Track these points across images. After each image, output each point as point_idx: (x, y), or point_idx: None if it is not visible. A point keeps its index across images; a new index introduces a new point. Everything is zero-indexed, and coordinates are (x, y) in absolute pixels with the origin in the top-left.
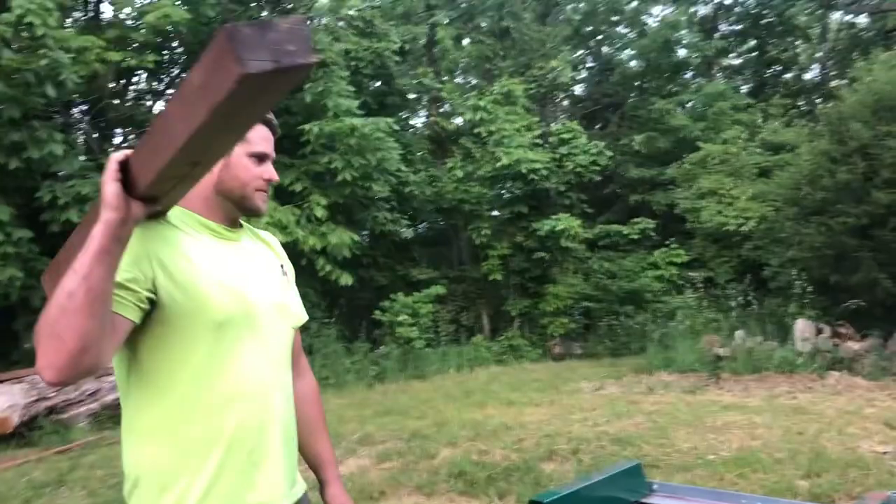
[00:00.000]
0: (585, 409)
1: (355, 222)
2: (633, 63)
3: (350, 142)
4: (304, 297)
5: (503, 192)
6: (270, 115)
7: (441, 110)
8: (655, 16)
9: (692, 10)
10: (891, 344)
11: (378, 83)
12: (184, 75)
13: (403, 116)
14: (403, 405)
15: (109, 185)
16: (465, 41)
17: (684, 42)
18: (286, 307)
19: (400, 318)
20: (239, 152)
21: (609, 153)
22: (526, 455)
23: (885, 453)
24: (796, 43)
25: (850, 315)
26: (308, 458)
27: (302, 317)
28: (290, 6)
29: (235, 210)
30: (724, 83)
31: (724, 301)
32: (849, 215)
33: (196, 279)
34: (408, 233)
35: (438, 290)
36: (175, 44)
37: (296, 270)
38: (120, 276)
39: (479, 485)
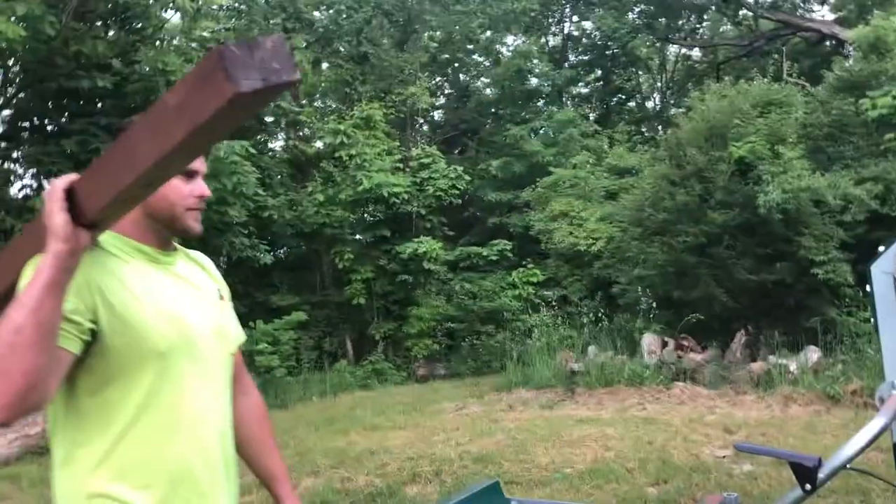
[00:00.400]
0: (448, 429)
1: (211, 248)
2: (488, 91)
3: None
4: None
5: (365, 215)
6: None
7: (300, 134)
8: (509, 45)
9: (543, 40)
10: (728, 354)
11: None
12: (22, 95)
13: (261, 140)
14: None
15: (58, 215)
16: (324, 65)
17: (536, 71)
18: (225, 333)
19: (259, 347)
20: None
21: (468, 177)
22: (389, 480)
23: (724, 457)
24: (638, 73)
25: (691, 328)
26: (260, 474)
27: (240, 337)
28: (138, 25)
29: (167, 232)
30: (574, 111)
31: (577, 318)
32: (687, 234)
33: (136, 308)
34: (267, 258)
35: (300, 316)
36: (10, 62)
37: None
38: (64, 309)
39: None
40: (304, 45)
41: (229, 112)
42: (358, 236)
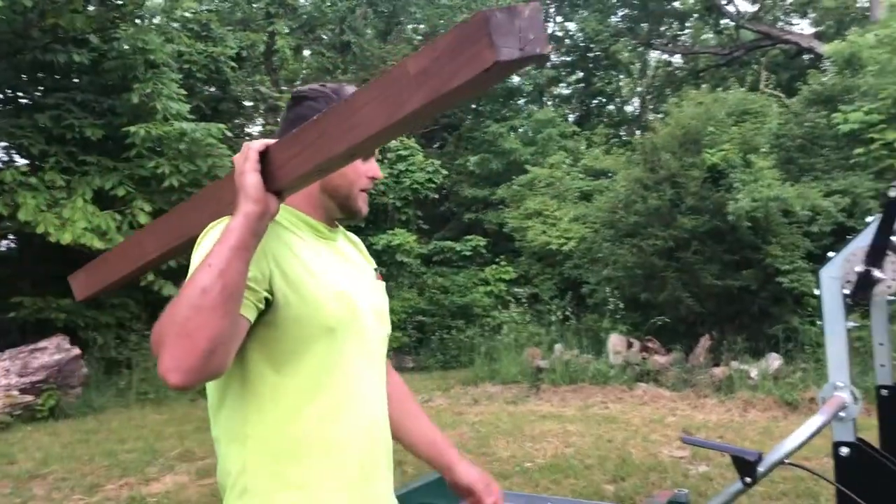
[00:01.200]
0: None
1: None
2: None
3: (179, 147)
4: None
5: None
6: None
7: (278, 120)
8: None
9: None
10: (692, 358)
11: (212, 88)
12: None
13: (238, 124)
14: None
15: (250, 174)
16: (306, 52)
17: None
18: (384, 314)
19: None
20: None
21: (445, 172)
22: None
23: (682, 458)
24: (619, 77)
25: (657, 330)
26: (422, 449)
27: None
28: (119, 2)
29: (337, 210)
30: (554, 111)
31: (546, 316)
32: (657, 238)
33: (309, 282)
34: None
35: None
36: None
37: None
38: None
39: None
40: (287, 30)
41: (479, 81)
42: None
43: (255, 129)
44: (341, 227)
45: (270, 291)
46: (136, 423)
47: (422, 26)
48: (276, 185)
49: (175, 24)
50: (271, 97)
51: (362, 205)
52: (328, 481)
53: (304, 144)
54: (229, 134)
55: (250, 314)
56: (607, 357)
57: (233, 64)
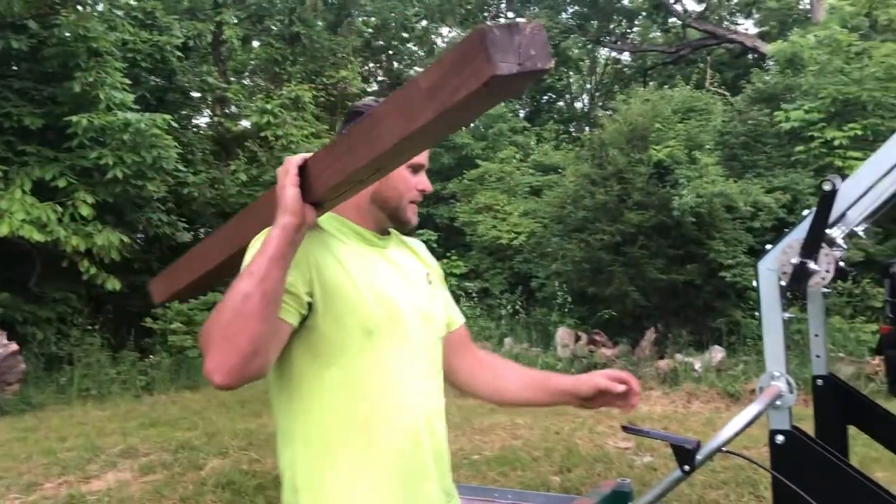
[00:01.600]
0: None
1: (126, 223)
2: None
3: (123, 137)
4: (64, 301)
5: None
6: None
7: (226, 111)
8: (444, 36)
9: None
10: (637, 350)
11: (158, 79)
12: None
13: (185, 114)
14: (173, 416)
15: (289, 189)
16: (255, 43)
17: None
18: (432, 317)
19: (173, 326)
20: None
21: None
22: None
23: (627, 449)
24: (569, 73)
25: (604, 324)
26: (549, 396)
27: (457, 319)
28: None
29: (387, 220)
30: (504, 106)
31: (497, 310)
32: (605, 233)
33: (348, 286)
34: (186, 236)
35: (217, 297)
36: None
37: (55, 273)
38: (286, 281)
39: (248, 493)
40: (235, 21)
41: (482, 95)
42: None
43: (202, 121)
44: (396, 234)
45: (311, 295)
46: (78, 420)
47: (372, 19)
48: (313, 197)
49: (119, 12)
50: (219, 88)
51: (411, 216)
52: (366, 481)
53: (335, 157)
54: (175, 125)
55: (293, 319)
56: (555, 350)
57: (179, 54)
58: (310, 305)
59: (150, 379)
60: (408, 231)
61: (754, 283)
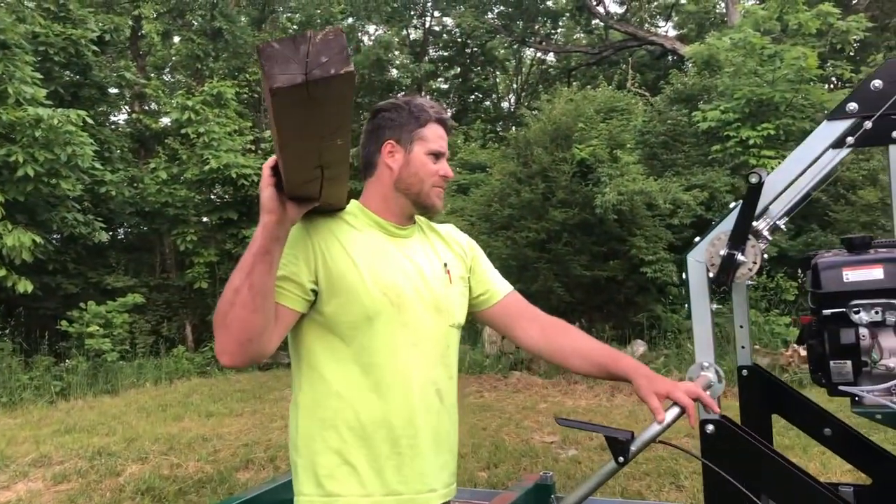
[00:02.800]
0: (287, 416)
1: (39, 223)
2: None
3: (34, 134)
4: None
5: (212, 196)
6: (444, 114)
7: (146, 108)
8: (371, 34)
9: (404, 32)
10: None
11: (72, 73)
12: None
13: (101, 111)
14: (89, 422)
15: (265, 190)
16: (176, 38)
17: (396, 63)
18: (444, 306)
19: (90, 329)
20: (418, 150)
21: None
22: (221, 466)
23: (552, 443)
24: (496, 73)
25: None
26: (606, 370)
27: (500, 289)
28: None
29: (412, 206)
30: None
31: None
32: (530, 230)
33: (352, 275)
34: (103, 236)
35: (136, 298)
36: None
37: None
38: (286, 270)
39: (168, 499)
40: (154, 15)
41: (287, 105)
42: (203, 218)
43: (120, 118)
44: (424, 223)
45: (317, 283)
46: None
47: (297, 16)
48: (291, 192)
49: (30, 4)
50: (137, 84)
51: (436, 200)
52: (359, 451)
53: (279, 152)
54: (91, 121)
55: (296, 305)
56: (483, 347)
57: (94, 48)
58: (315, 292)
59: (65, 384)
60: (434, 215)
61: (675, 279)
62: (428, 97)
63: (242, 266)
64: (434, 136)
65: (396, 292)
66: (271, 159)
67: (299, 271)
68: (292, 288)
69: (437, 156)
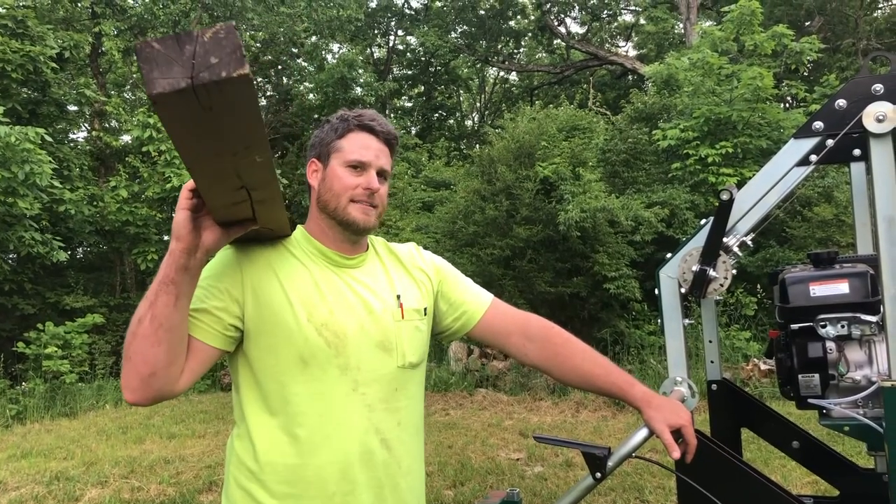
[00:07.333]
0: None
1: None
2: (311, 96)
3: None
4: None
5: (173, 215)
6: (373, 121)
7: (106, 125)
8: (334, 52)
9: (368, 51)
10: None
11: (30, 90)
12: None
13: (60, 128)
14: (47, 446)
15: (178, 213)
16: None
17: (360, 81)
18: (393, 345)
19: (48, 351)
20: (334, 163)
21: (286, 181)
22: (183, 488)
23: (518, 459)
24: (459, 92)
25: None
26: (607, 393)
27: (480, 304)
28: None
29: (336, 225)
30: (396, 123)
31: None
32: (495, 247)
33: (286, 313)
34: (61, 256)
35: (96, 319)
36: None
37: None
38: (206, 303)
39: None
40: (115, 32)
41: (175, 113)
42: (164, 237)
43: (80, 136)
44: (382, 245)
45: (242, 320)
46: None
47: (260, 33)
48: (216, 216)
49: None
50: (98, 101)
51: (357, 215)
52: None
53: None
54: (49, 139)
55: (213, 341)
56: (449, 364)
57: (54, 65)
58: (240, 329)
59: (21, 407)
60: (360, 233)
61: (637, 295)
62: (391, 115)
63: (148, 295)
64: (354, 145)
65: (334, 331)
66: (191, 180)
67: (222, 305)
68: (210, 321)
69: (357, 167)
